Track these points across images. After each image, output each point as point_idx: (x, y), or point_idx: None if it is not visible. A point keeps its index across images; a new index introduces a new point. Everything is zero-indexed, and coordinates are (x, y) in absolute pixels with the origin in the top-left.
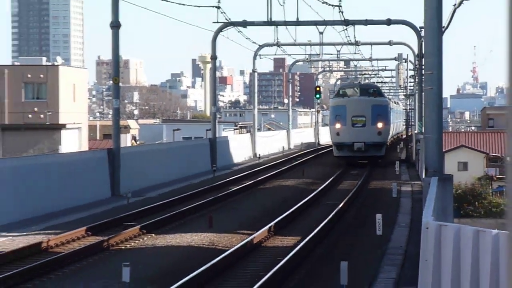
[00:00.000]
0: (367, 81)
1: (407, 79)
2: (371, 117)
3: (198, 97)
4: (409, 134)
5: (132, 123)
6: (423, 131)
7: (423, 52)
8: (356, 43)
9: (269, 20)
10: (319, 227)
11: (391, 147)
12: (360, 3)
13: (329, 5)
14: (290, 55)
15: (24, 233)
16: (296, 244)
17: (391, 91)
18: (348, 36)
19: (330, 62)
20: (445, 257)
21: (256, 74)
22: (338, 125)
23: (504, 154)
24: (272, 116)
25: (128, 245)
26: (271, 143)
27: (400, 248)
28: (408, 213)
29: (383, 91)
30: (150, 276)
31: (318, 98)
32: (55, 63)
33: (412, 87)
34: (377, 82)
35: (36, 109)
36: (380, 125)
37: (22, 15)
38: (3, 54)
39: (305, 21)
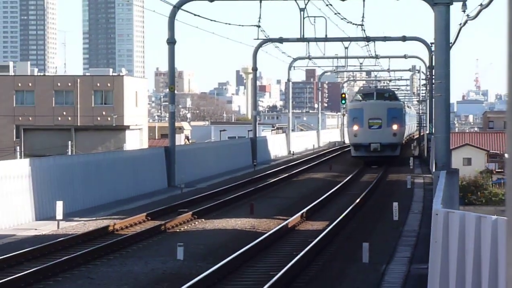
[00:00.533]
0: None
1: (419, 87)
2: (386, 119)
3: (241, 102)
4: (421, 134)
5: (185, 124)
6: (433, 131)
7: (434, 64)
8: (376, 57)
9: (301, 37)
10: (344, 213)
11: (405, 146)
12: (380, 22)
13: (353, 24)
14: (319, 66)
15: (94, 218)
16: (324, 228)
17: (406, 97)
18: (369, 51)
19: (354, 72)
20: (452, 239)
21: (290, 83)
22: (355, 127)
23: (503, 152)
24: (304, 118)
25: (182, 228)
26: (303, 142)
27: (413, 232)
28: (420, 201)
29: (398, 95)
30: (201, 254)
31: (343, 104)
32: (120, 74)
33: (424, 94)
34: (392, 88)
35: (104, 112)
36: (395, 127)
37: (92, 33)
38: (76, 66)
39: (333, 37)
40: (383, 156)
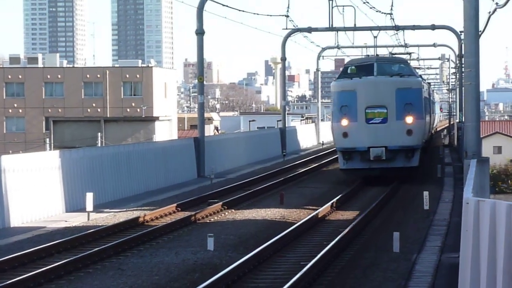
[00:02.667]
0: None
1: (449, 75)
2: (395, 107)
3: (270, 92)
4: (451, 123)
5: (214, 115)
6: (463, 120)
7: (463, 52)
8: (406, 45)
9: (330, 26)
10: (375, 203)
11: (435, 136)
12: (409, 10)
13: (382, 13)
14: (348, 56)
15: (124, 209)
16: (355, 218)
17: (436, 86)
18: (398, 39)
19: None
20: (483, 228)
21: (319, 72)
22: (344, 122)
23: None
24: None
25: (212, 219)
26: None
27: (444, 221)
28: (451, 190)
29: (413, 68)
30: (231, 245)
31: None
32: (149, 65)
33: (453, 83)
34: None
35: (133, 104)
36: (409, 119)
37: (120, 25)
38: (105, 57)
39: (362, 27)
40: (391, 168)
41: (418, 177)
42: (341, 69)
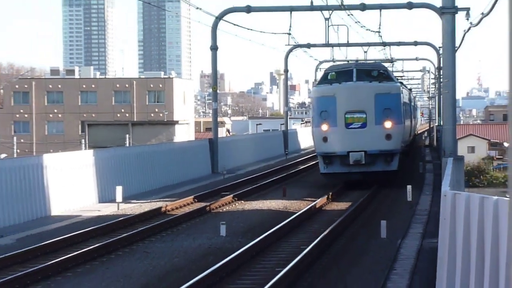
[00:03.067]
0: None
1: (429, 85)
2: (375, 112)
3: (274, 100)
4: (431, 126)
5: (226, 119)
6: (442, 123)
7: (441, 65)
8: (392, 60)
9: (327, 42)
10: (365, 196)
11: (417, 137)
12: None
13: (371, 31)
14: None
15: (148, 201)
16: (348, 208)
17: (418, 94)
18: (386, 54)
19: None
20: (458, 217)
21: (317, 83)
22: (324, 127)
23: (503, 141)
24: None
25: (224, 209)
26: None
27: (425, 211)
28: (431, 184)
29: (392, 73)
30: (241, 232)
31: None
32: (170, 76)
33: (433, 91)
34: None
35: (156, 109)
36: (388, 124)
37: (146, 41)
38: (132, 70)
39: (354, 43)
40: (371, 172)
41: (400, 177)
42: (321, 75)
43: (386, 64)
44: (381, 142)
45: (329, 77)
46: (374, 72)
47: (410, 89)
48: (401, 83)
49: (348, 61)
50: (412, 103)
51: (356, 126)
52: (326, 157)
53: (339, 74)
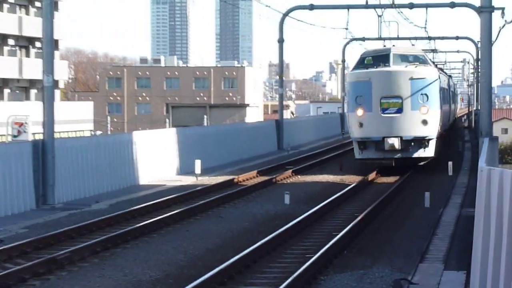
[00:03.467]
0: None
1: (469, 75)
2: (411, 97)
3: (333, 86)
4: (470, 110)
5: (290, 103)
6: (479, 108)
7: (479, 57)
8: (436, 51)
9: (379, 36)
10: (410, 171)
11: (457, 121)
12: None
13: (419, 26)
14: None
15: (223, 173)
16: (396, 181)
17: (458, 82)
18: (431, 47)
19: None
20: (493, 190)
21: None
22: (360, 111)
23: None
24: None
25: (288, 181)
26: None
27: (463, 184)
28: (469, 161)
29: (428, 58)
30: (302, 200)
31: None
32: (243, 65)
33: (472, 80)
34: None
35: (230, 94)
36: (424, 109)
37: (222, 34)
38: (210, 59)
39: (403, 37)
40: (407, 158)
41: (442, 155)
42: (357, 59)
43: (429, 55)
44: (417, 128)
45: (365, 62)
46: (411, 57)
47: (450, 76)
48: (440, 69)
49: (384, 45)
50: (452, 89)
51: (392, 111)
52: (361, 142)
53: (375, 59)
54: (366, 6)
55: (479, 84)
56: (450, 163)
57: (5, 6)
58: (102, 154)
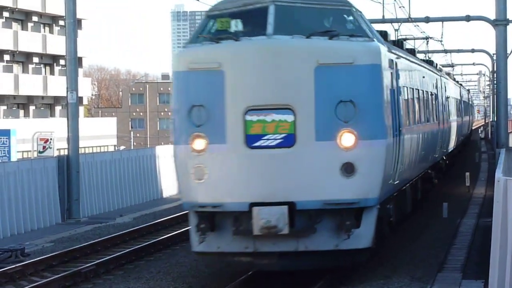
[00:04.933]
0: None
1: (485, 86)
2: (315, 108)
3: None
4: (486, 122)
5: None
6: (495, 119)
7: (495, 69)
8: (452, 65)
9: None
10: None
11: (473, 133)
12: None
13: (435, 39)
14: None
15: None
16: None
17: (474, 94)
18: (447, 60)
19: None
20: (510, 200)
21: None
22: (198, 143)
23: None
24: None
25: None
26: None
27: (481, 194)
28: (486, 171)
29: (364, 19)
30: None
31: None
32: None
33: (488, 92)
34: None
35: None
36: (348, 138)
37: None
38: None
39: (420, 50)
40: (304, 254)
41: (459, 166)
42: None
43: (446, 69)
44: (332, 182)
45: (215, 27)
46: (320, 16)
47: (461, 84)
48: (400, 43)
49: None
50: (465, 99)
51: (272, 142)
52: (203, 215)
53: (237, 20)
54: (383, 20)
55: (495, 96)
56: (467, 174)
57: (29, 25)
58: (125, 169)
